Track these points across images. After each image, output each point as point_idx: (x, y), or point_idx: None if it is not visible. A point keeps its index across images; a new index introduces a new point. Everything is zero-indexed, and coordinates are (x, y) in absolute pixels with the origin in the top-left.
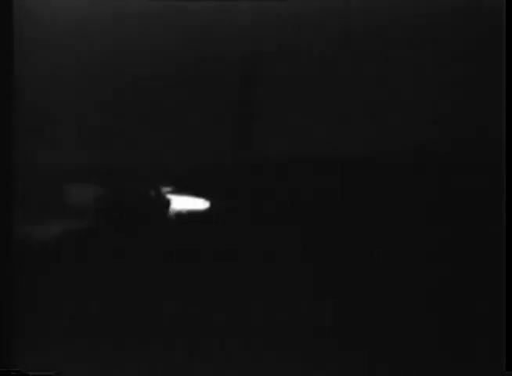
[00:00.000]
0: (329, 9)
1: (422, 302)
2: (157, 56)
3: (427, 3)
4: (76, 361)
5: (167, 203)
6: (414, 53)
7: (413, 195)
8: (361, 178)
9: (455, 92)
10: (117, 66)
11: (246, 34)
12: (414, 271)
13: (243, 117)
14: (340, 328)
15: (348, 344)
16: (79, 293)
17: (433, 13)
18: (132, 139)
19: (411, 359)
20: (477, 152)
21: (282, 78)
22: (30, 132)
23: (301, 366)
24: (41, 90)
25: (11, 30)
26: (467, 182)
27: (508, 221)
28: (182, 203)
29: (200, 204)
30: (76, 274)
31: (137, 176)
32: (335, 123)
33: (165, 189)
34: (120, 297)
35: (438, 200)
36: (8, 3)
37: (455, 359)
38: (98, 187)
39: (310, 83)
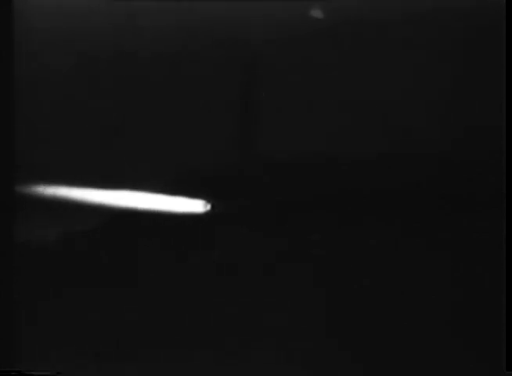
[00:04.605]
0: (332, 7)
1: (421, 302)
2: (158, 55)
3: (427, 2)
4: (76, 363)
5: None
6: (414, 53)
7: (412, 194)
8: (365, 179)
9: (454, 91)
10: (116, 65)
11: (246, 33)
12: (413, 271)
13: (245, 117)
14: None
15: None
16: (80, 296)
17: (433, 13)
18: (132, 139)
19: (410, 359)
20: (476, 152)
21: (283, 78)
22: (31, 132)
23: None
24: (42, 89)
25: (11, 29)
26: (466, 181)
27: (508, 221)
28: (181, 205)
29: (200, 206)
30: (77, 277)
31: (137, 178)
32: (338, 123)
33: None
34: (121, 301)
35: (437, 200)
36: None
37: (454, 359)
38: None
39: (312, 82)
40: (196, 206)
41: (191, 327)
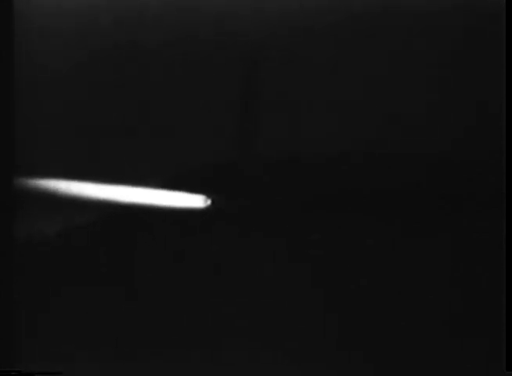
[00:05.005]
0: (332, 4)
1: (420, 302)
2: (158, 53)
3: (427, 2)
4: (76, 364)
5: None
6: (413, 52)
7: (412, 194)
8: (365, 179)
9: (454, 91)
10: (116, 63)
11: (247, 32)
12: (412, 271)
13: (246, 114)
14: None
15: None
16: (81, 294)
17: (432, 12)
18: (132, 137)
19: (410, 359)
20: (476, 152)
21: (284, 76)
22: (31, 130)
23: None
24: (43, 89)
25: (11, 28)
26: (466, 181)
27: (508, 221)
28: (180, 202)
29: (199, 204)
30: (77, 275)
31: (137, 175)
32: (341, 120)
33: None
34: (122, 299)
35: (437, 200)
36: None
37: (454, 359)
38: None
39: (315, 79)
40: (196, 204)
41: (190, 325)
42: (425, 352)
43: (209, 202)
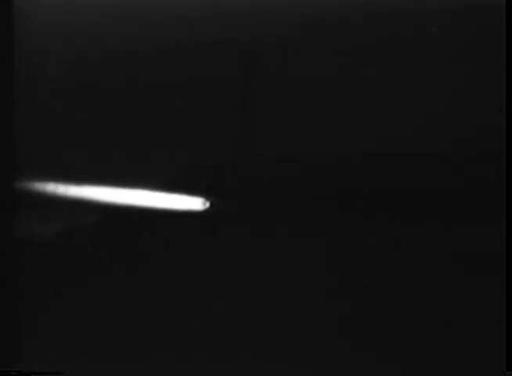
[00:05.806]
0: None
1: (421, 302)
2: (156, 53)
3: (426, 2)
4: (76, 363)
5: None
6: (413, 52)
7: (412, 194)
8: (366, 178)
9: (454, 91)
10: (116, 63)
11: (247, 30)
12: (412, 271)
13: (246, 114)
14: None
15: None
16: (81, 294)
17: (431, 13)
18: (131, 137)
19: (410, 359)
20: (476, 152)
21: (285, 74)
22: (31, 130)
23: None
24: (43, 89)
25: (12, 31)
26: (467, 181)
27: (508, 221)
28: (180, 203)
29: (199, 203)
30: (77, 275)
31: (136, 176)
32: (340, 120)
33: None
34: (122, 299)
35: (437, 200)
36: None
37: (454, 359)
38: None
39: (315, 78)
40: (195, 204)
41: (191, 326)
42: (425, 351)
43: (208, 203)
